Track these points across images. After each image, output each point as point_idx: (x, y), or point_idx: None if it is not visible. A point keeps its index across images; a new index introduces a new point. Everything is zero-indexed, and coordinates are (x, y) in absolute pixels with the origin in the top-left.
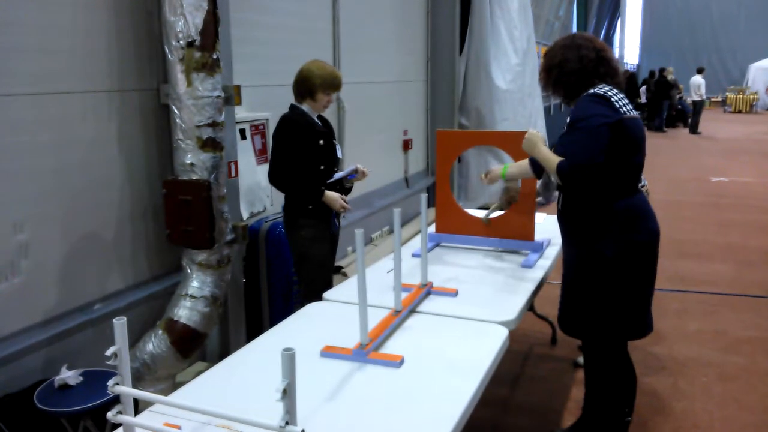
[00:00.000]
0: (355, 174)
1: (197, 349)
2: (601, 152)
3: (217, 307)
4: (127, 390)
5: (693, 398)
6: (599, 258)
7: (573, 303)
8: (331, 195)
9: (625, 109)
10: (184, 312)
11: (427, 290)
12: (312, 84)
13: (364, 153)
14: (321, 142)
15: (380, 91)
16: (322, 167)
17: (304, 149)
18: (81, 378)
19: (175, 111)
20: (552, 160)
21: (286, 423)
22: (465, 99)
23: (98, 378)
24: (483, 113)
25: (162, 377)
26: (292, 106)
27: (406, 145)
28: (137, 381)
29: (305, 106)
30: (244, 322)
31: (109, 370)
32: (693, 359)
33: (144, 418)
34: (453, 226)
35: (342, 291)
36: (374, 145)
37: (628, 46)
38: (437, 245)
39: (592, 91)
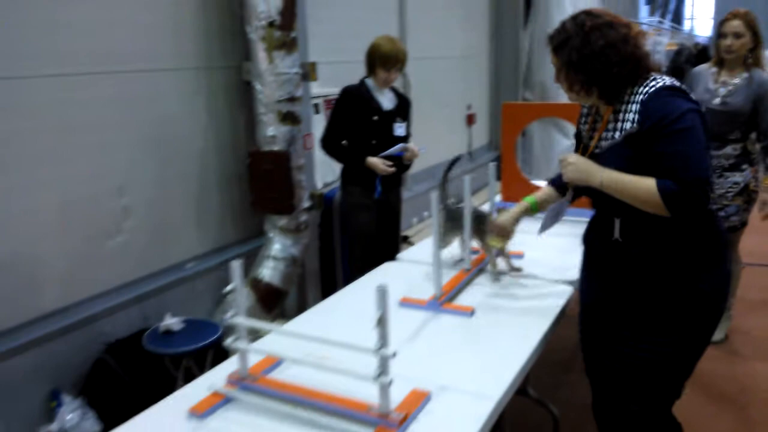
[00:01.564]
0: (403, 152)
1: (279, 305)
2: (707, 158)
3: (296, 267)
4: (242, 320)
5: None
6: (694, 297)
7: (636, 368)
8: (373, 159)
9: (694, 98)
10: (267, 272)
11: (495, 251)
12: (372, 59)
13: (429, 127)
14: (375, 117)
15: (445, 66)
16: (373, 142)
17: (356, 121)
18: (183, 325)
19: (258, 87)
20: (641, 185)
21: (381, 346)
22: (529, 73)
23: (197, 326)
24: (547, 87)
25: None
26: (361, 80)
27: (470, 120)
28: (226, 333)
29: (370, 81)
30: (319, 282)
31: (206, 320)
32: None
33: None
34: (518, 197)
35: (414, 253)
36: (438, 119)
37: (699, 17)
38: None
39: (660, 84)
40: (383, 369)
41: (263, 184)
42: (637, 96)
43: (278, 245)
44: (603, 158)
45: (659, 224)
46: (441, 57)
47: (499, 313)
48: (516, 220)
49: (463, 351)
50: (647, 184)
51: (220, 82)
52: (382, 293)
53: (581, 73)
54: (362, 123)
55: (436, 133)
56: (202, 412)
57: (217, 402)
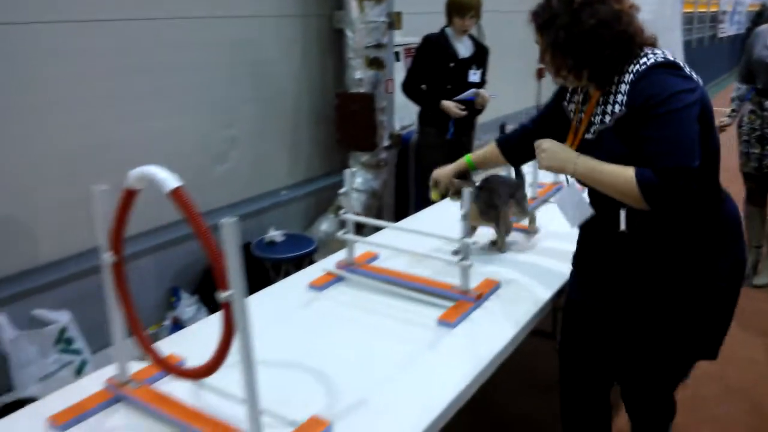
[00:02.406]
0: (474, 97)
1: (360, 232)
2: (698, 144)
3: (375, 199)
4: (351, 217)
5: None
6: (708, 288)
7: (653, 360)
8: (447, 103)
9: (695, 76)
10: (351, 201)
11: (558, 187)
12: (449, 8)
13: (500, 78)
14: (451, 64)
15: (520, 19)
16: (449, 87)
17: (434, 67)
18: (284, 237)
19: (349, 34)
20: (617, 174)
21: (464, 236)
22: None
23: (296, 239)
24: None
25: (332, 250)
26: (441, 29)
27: (540, 74)
28: (312, 253)
29: (449, 30)
30: (393, 214)
31: (304, 234)
32: None
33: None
34: None
35: None
36: (510, 71)
37: None
38: None
39: (652, 60)
40: (465, 254)
41: (349, 123)
42: (628, 75)
43: (360, 179)
44: (595, 145)
45: (668, 214)
46: (516, 11)
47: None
48: (451, 176)
49: (526, 253)
50: (625, 173)
51: (314, 29)
52: (466, 194)
53: (570, 56)
54: (439, 69)
55: (508, 85)
56: (320, 285)
57: (331, 279)
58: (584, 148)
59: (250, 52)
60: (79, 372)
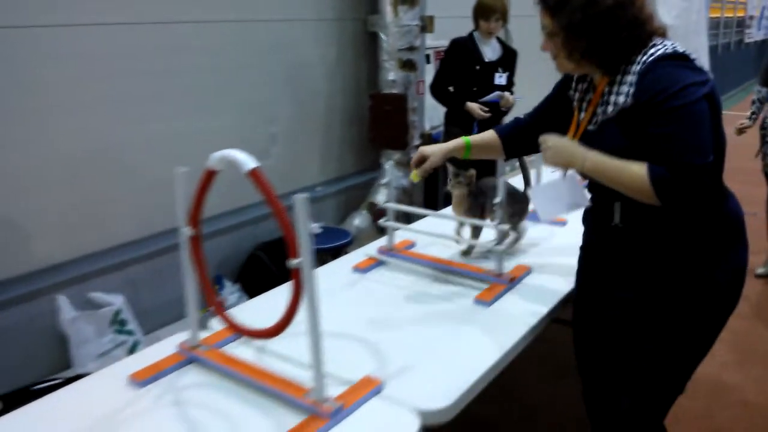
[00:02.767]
0: (499, 100)
1: None
2: (710, 138)
3: (406, 196)
4: (391, 205)
5: None
6: (707, 289)
7: (636, 361)
8: (471, 105)
9: (705, 68)
10: (382, 198)
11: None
12: (475, 11)
13: (527, 81)
14: (477, 67)
15: None
16: (474, 89)
17: (461, 69)
18: (321, 229)
19: (383, 37)
20: (629, 170)
21: (500, 222)
22: None
23: (332, 231)
24: None
25: (364, 245)
26: (469, 33)
27: None
28: (348, 246)
29: (477, 33)
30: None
31: (340, 227)
32: None
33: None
34: None
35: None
36: (538, 75)
37: None
38: None
39: (660, 51)
40: (500, 240)
41: (382, 122)
42: (635, 66)
43: (389, 176)
44: (597, 136)
45: (663, 208)
46: None
47: None
48: (443, 156)
49: (556, 246)
50: (636, 170)
51: (349, 32)
52: (502, 184)
53: (584, 38)
54: (466, 71)
55: (535, 88)
56: (363, 267)
57: (373, 263)
58: (586, 139)
59: (289, 55)
60: (132, 351)
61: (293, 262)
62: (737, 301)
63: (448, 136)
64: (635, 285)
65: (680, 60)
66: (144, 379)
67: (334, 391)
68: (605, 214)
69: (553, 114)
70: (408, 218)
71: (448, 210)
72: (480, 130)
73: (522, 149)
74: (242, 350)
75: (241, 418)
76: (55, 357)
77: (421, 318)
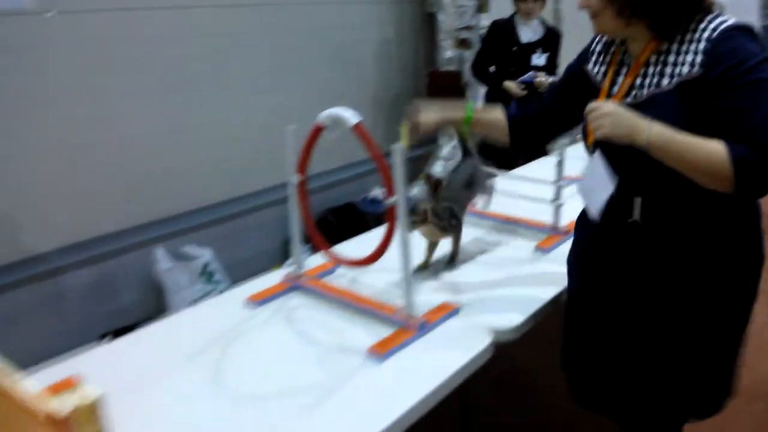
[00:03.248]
0: (533, 80)
1: None
2: None
3: None
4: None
5: None
6: (733, 291)
7: (664, 372)
8: (508, 83)
9: None
10: (438, 169)
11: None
12: None
13: None
14: (514, 48)
15: None
16: (512, 69)
17: (499, 49)
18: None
19: (440, 17)
20: (705, 148)
21: (558, 179)
22: None
23: None
24: None
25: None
26: (511, 14)
27: None
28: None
29: (516, 15)
30: None
31: None
32: None
33: None
34: None
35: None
36: None
37: None
38: None
39: (732, 22)
40: (558, 196)
41: (439, 98)
42: (701, 33)
43: (447, 149)
44: (645, 110)
45: (689, 204)
46: None
47: None
48: (436, 125)
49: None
50: (713, 147)
51: (406, 13)
52: (560, 150)
53: None
54: (503, 52)
55: None
56: None
57: None
58: None
59: (350, 35)
60: None
61: (390, 200)
62: (756, 294)
63: None
64: (653, 285)
65: (751, 34)
66: (259, 300)
67: (418, 312)
68: (621, 209)
69: (570, 98)
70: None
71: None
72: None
73: (529, 140)
74: (338, 281)
75: (342, 329)
76: (152, 303)
77: (485, 262)
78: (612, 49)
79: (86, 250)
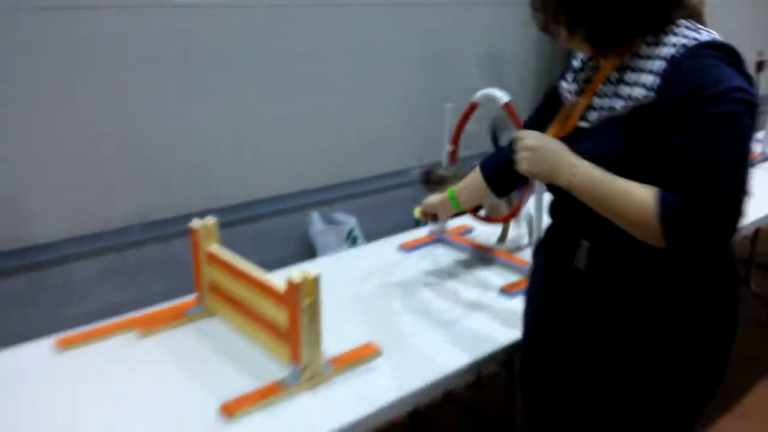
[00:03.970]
0: None
1: None
2: (748, 165)
3: None
4: None
5: None
6: (692, 355)
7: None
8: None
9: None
10: None
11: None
12: None
13: None
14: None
15: (737, 6)
16: None
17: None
18: None
19: None
20: (634, 194)
21: None
22: None
23: None
24: None
25: None
26: None
27: (760, 66)
28: None
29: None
30: None
31: None
32: None
33: None
34: None
35: None
36: None
37: None
38: None
39: (706, 37)
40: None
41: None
42: (663, 48)
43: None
44: (592, 137)
45: (641, 253)
46: (729, 5)
47: None
48: (439, 204)
49: None
50: (641, 197)
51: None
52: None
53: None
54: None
55: None
56: None
57: None
58: (573, 139)
59: (477, 36)
60: None
61: None
62: (725, 371)
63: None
64: (603, 346)
65: (727, 54)
66: (409, 247)
67: None
68: (567, 251)
69: (545, 122)
70: None
71: None
72: None
73: (512, 183)
74: (475, 238)
75: (478, 273)
76: (307, 258)
77: None
78: (588, 63)
79: (255, 207)
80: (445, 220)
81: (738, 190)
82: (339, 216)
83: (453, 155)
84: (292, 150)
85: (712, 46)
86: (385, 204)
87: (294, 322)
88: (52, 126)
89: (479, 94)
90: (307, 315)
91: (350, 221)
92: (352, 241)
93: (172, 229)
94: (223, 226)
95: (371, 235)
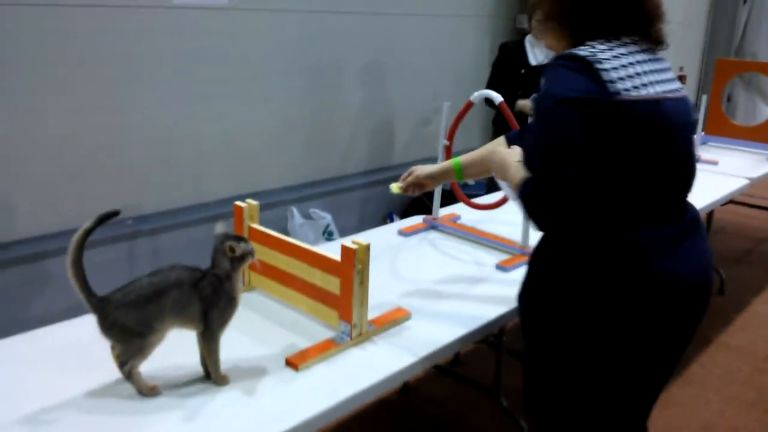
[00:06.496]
0: None
1: None
2: (573, 153)
3: None
4: None
5: None
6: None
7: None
8: (522, 102)
9: (631, 85)
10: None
11: None
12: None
13: None
14: (522, 71)
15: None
16: (519, 93)
17: (507, 72)
18: (473, 182)
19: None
20: (517, 179)
21: None
22: (743, 44)
23: (479, 185)
24: (758, 58)
25: None
26: (522, 37)
27: (681, 80)
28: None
29: (529, 36)
30: None
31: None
32: None
33: None
34: (722, 131)
35: None
36: None
37: None
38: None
39: (585, 52)
40: None
41: None
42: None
43: None
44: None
45: (551, 239)
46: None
47: None
48: (427, 177)
49: None
50: (518, 179)
51: (498, 28)
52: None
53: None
54: (509, 74)
55: None
56: None
57: None
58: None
59: (452, 46)
60: None
61: None
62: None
63: (494, 137)
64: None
65: (576, 63)
66: (407, 232)
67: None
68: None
69: None
70: None
71: None
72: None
73: None
74: (464, 224)
75: (473, 252)
76: None
77: None
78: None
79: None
80: (431, 189)
81: (555, 167)
82: (316, 212)
83: (448, 150)
84: (272, 153)
85: (567, 57)
86: (359, 199)
87: (347, 285)
88: (33, 124)
89: (476, 94)
90: (358, 279)
91: (326, 217)
92: (328, 235)
93: (159, 223)
94: (209, 219)
95: (344, 231)
